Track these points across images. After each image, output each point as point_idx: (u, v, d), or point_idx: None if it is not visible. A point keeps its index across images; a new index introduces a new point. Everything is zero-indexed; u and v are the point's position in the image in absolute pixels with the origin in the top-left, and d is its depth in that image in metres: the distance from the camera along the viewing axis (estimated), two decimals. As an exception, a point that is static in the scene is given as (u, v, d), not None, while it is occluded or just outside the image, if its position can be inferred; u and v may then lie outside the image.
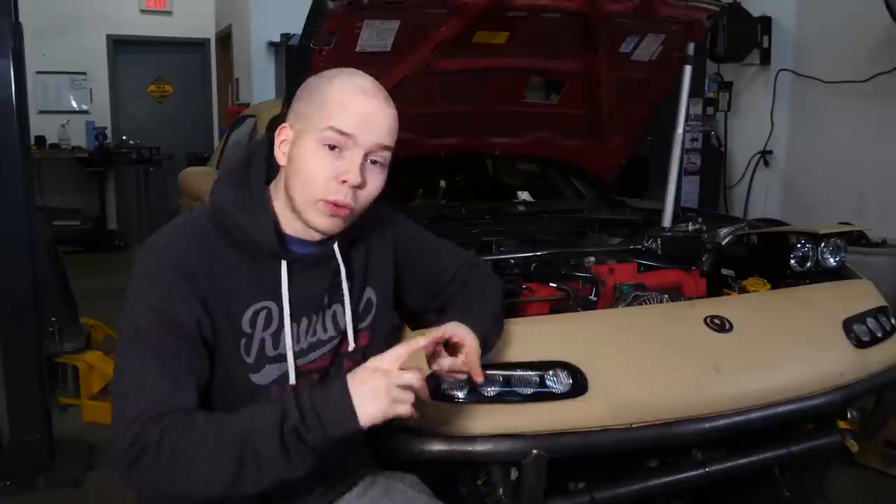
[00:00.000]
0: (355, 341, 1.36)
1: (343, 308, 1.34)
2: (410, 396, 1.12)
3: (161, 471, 1.07)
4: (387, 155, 1.26)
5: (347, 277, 1.34)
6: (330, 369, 1.34)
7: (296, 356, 1.28)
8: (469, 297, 1.52)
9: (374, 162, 1.24)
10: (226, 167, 1.34)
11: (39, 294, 2.81)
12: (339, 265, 1.32)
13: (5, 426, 2.81)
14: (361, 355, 1.37)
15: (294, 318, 1.28)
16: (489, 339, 1.47)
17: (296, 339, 1.28)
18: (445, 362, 1.32)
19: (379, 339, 1.41)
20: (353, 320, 1.36)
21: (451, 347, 1.34)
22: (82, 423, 3.06)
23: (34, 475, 2.81)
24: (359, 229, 1.35)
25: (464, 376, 1.37)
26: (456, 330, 1.34)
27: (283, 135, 1.27)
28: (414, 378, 1.11)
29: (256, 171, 1.29)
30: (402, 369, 1.12)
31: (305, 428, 1.07)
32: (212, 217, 1.25)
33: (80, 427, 3.09)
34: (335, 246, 1.31)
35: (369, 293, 1.39)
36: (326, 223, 1.23)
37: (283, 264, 1.26)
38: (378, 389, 1.09)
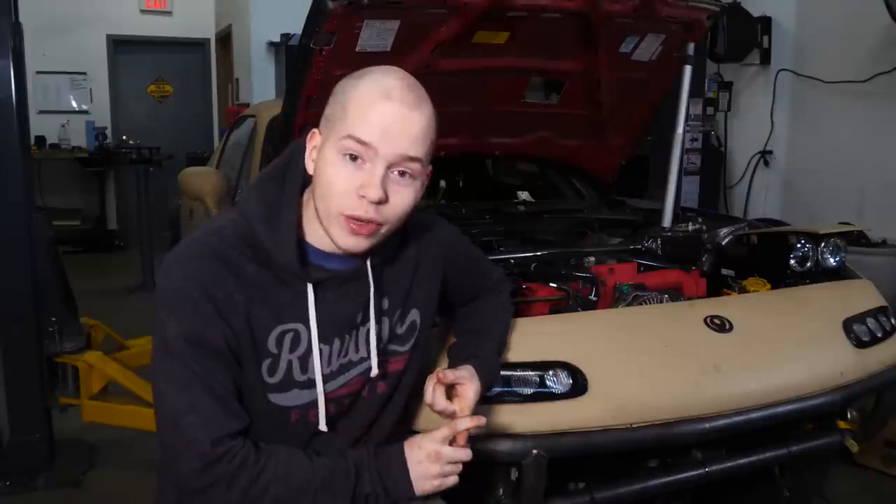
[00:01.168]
0: (386, 366, 1.29)
1: (379, 327, 1.27)
2: (458, 468, 1.21)
3: (231, 500, 1.13)
4: (416, 167, 1.14)
5: (388, 296, 1.28)
6: (361, 392, 1.28)
7: (325, 379, 1.22)
8: (485, 326, 1.50)
9: (402, 174, 1.14)
10: (265, 170, 1.29)
11: (39, 294, 2.81)
12: (370, 286, 1.23)
13: (5, 426, 2.81)
14: (398, 380, 1.33)
15: (324, 340, 1.21)
16: (491, 384, 1.47)
17: (326, 361, 1.22)
18: (441, 403, 1.30)
19: (415, 364, 1.35)
20: (389, 343, 1.30)
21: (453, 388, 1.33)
22: (82, 423, 3.06)
23: (34, 475, 2.81)
24: (401, 242, 1.28)
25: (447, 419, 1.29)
26: (467, 386, 1.32)
27: (314, 140, 1.18)
28: (464, 455, 1.20)
29: (292, 178, 1.20)
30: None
31: (374, 496, 1.17)
32: (236, 225, 1.18)
33: (80, 427, 3.09)
34: (367, 262, 1.23)
35: (414, 315, 1.33)
36: (349, 242, 1.14)
37: (310, 288, 1.18)
38: (433, 472, 1.19)
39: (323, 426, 1.23)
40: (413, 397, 1.40)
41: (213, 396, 1.12)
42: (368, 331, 1.26)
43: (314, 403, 1.22)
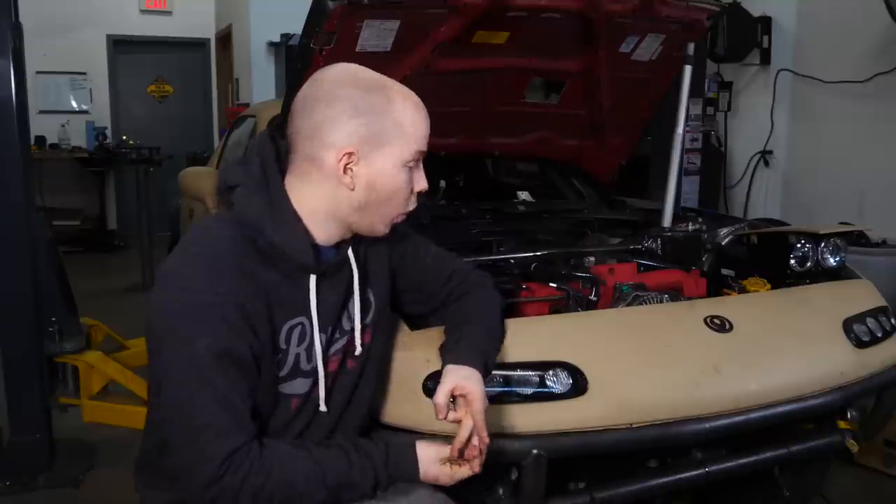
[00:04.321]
0: (354, 341, 1.35)
1: (352, 307, 1.35)
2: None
3: None
4: None
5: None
6: (340, 369, 1.35)
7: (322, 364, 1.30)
8: (475, 316, 1.49)
9: None
10: (248, 176, 1.29)
11: (39, 294, 2.81)
12: (352, 270, 1.32)
13: (5, 426, 2.81)
14: (366, 354, 1.38)
15: (323, 329, 1.29)
16: (489, 367, 1.44)
17: (324, 347, 1.30)
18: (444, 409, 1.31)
19: (380, 337, 1.42)
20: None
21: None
22: (82, 423, 3.07)
23: (34, 475, 2.81)
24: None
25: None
26: (472, 390, 1.31)
27: (350, 160, 1.22)
28: (466, 474, 1.32)
29: (273, 179, 1.25)
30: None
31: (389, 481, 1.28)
32: (236, 230, 1.21)
33: (80, 427, 3.09)
34: (349, 251, 1.31)
35: (368, 293, 1.39)
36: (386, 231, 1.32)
37: (312, 279, 1.25)
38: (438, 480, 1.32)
39: (323, 407, 1.31)
40: (378, 388, 1.49)
41: (231, 412, 1.15)
42: (346, 311, 1.34)
43: (315, 389, 1.30)
